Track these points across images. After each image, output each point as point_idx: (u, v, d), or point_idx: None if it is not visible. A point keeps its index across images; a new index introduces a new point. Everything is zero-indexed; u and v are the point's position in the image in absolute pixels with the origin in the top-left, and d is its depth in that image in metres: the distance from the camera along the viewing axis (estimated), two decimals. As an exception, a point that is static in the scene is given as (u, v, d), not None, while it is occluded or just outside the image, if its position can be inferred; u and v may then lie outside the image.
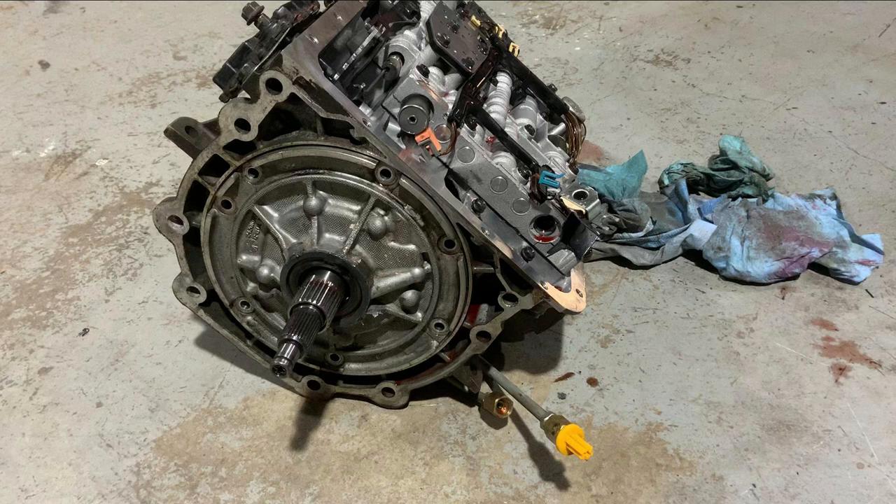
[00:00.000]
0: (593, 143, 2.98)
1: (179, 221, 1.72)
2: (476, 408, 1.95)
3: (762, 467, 1.81)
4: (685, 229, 2.37)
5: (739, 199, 2.53)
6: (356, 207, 1.62)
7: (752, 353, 2.11)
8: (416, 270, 1.65)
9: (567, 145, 2.00)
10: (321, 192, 1.61)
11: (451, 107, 1.56)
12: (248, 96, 1.61)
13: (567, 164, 1.89)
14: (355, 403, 1.97)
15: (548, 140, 1.95)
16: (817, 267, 2.34)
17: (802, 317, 2.22)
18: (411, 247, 1.64)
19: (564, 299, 1.66)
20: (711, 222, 2.40)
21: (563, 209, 1.57)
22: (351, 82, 1.57)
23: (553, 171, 1.58)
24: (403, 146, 1.54)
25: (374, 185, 1.56)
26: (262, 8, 1.63)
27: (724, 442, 1.87)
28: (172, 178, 2.79)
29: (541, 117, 1.96)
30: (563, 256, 1.64)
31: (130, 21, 3.91)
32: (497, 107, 1.74)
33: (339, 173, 1.58)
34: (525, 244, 1.63)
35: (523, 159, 1.62)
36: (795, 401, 1.97)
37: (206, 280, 1.82)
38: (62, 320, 2.21)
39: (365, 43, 1.61)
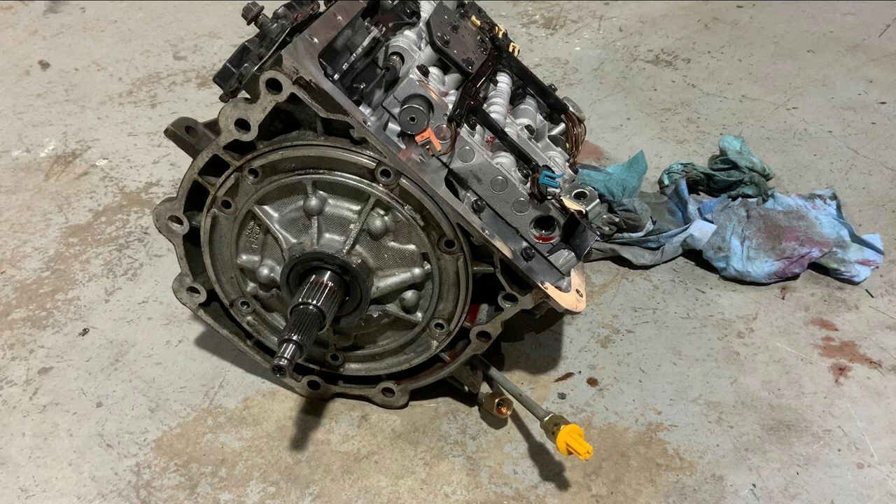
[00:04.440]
0: (593, 143, 2.98)
1: (179, 221, 1.72)
2: (476, 408, 1.95)
3: (762, 467, 1.81)
4: (685, 229, 2.37)
5: (739, 199, 2.53)
6: (356, 207, 1.62)
7: (752, 353, 2.11)
8: (416, 270, 1.65)
9: (567, 145, 2.00)
10: (321, 192, 1.61)
11: (451, 107, 1.56)
12: (248, 96, 1.61)
13: (567, 164, 1.89)
14: (355, 403, 1.97)
15: (548, 140, 1.95)
16: (817, 267, 2.34)
17: (802, 317, 2.22)
18: (411, 247, 1.64)
19: (564, 299, 1.66)
20: (711, 222, 2.40)
21: (563, 209, 1.57)
22: (351, 82, 1.57)
23: (553, 171, 1.58)
24: (403, 146, 1.54)
25: (374, 185, 1.56)
26: (262, 8, 1.63)
27: (724, 442, 1.87)
28: (172, 178, 2.79)
29: (541, 117, 1.96)
30: (563, 256, 1.64)
31: (130, 21, 3.92)
32: (497, 107, 1.75)
33: (339, 173, 1.58)
34: (525, 244, 1.63)
35: (523, 159, 1.62)
36: (795, 401, 1.97)
37: (206, 280, 1.82)
38: (62, 320, 2.21)
39: (365, 43, 1.61)
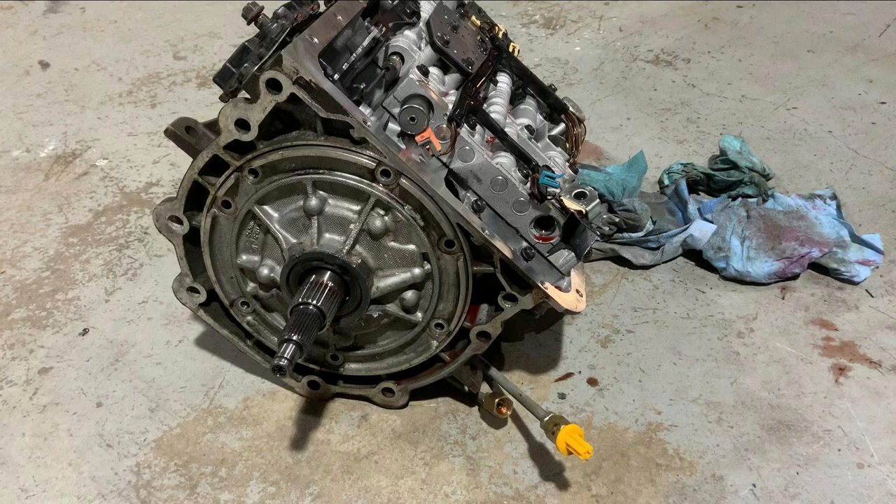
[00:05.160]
0: (593, 143, 2.98)
1: (179, 221, 1.72)
2: (476, 408, 1.95)
3: (762, 467, 1.81)
4: (685, 229, 2.37)
5: (739, 199, 2.53)
6: (356, 207, 1.62)
7: (752, 353, 2.11)
8: (416, 270, 1.65)
9: (567, 145, 2.00)
10: (321, 192, 1.61)
11: (451, 107, 1.56)
12: (248, 96, 1.61)
13: (567, 164, 1.89)
14: (355, 403, 1.97)
15: (548, 140, 1.95)
16: (817, 267, 2.34)
17: (802, 317, 2.22)
18: (411, 247, 1.64)
19: (564, 299, 1.66)
20: (711, 222, 2.40)
21: (563, 209, 1.57)
22: (351, 82, 1.57)
23: (553, 171, 1.58)
24: (403, 146, 1.54)
25: (374, 185, 1.56)
26: (262, 8, 1.63)
27: (724, 442, 1.87)
28: (172, 178, 2.79)
29: (541, 117, 1.96)
30: (563, 256, 1.64)
31: (130, 21, 3.92)
32: (497, 107, 1.75)
33: (339, 173, 1.58)
34: (525, 244, 1.63)
35: (523, 159, 1.62)
36: (795, 401, 1.97)
37: (206, 280, 1.82)
38: (62, 320, 2.21)
39: (365, 43, 1.61)
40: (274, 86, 1.47)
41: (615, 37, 3.78)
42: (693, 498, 1.74)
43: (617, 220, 2.39)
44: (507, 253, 1.59)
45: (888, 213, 2.60)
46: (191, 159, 1.65)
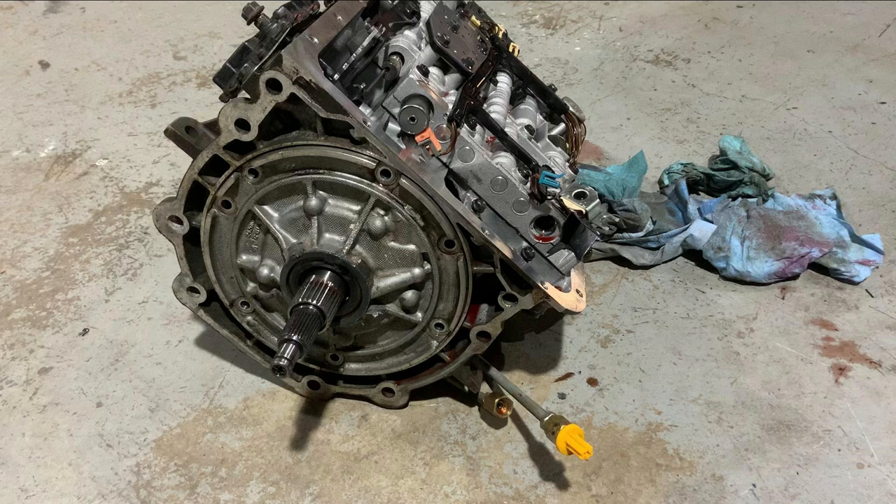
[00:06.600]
0: (593, 143, 2.98)
1: (179, 221, 1.72)
2: (476, 408, 1.95)
3: (762, 467, 1.81)
4: (685, 229, 2.37)
5: (739, 199, 2.53)
6: (356, 207, 1.62)
7: (752, 353, 2.11)
8: (416, 270, 1.65)
9: (567, 145, 2.00)
10: (321, 192, 1.61)
11: (451, 107, 1.56)
12: (248, 96, 1.61)
13: (567, 164, 1.89)
14: (355, 403, 1.97)
15: (548, 140, 1.95)
16: (817, 267, 2.34)
17: (802, 317, 2.22)
18: (411, 247, 1.64)
19: (564, 299, 1.66)
20: (711, 222, 2.40)
21: (563, 209, 1.57)
22: (351, 82, 1.57)
23: (553, 171, 1.58)
24: (403, 146, 1.54)
25: (374, 185, 1.56)
26: (262, 8, 1.63)
27: (724, 442, 1.87)
28: (172, 178, 2.79)
29: (541, 117, 1.96)
30: (563, 256, 1.64)
31: (130, 21, 3.92)
32: (497, 107, 1.75)
33: (339, 173, 1.58)
34: (525, 244, 1.63)
35: (523, 159, 1.62)
36: (795, 401, 1.97)
37: (206, 280, 1.82)
38: (62, 320, 2.21)
39: (365, 43, 1.61)
40: (274, 86, 1.47)
41: (615, 37, 3.78)
42: (693, 498, 1.74)
43: (617, 220, 2.39)
44: (507, 253, 1.59)
45: (888, 213, 2.60)
46: (191, 159, 1.65)
